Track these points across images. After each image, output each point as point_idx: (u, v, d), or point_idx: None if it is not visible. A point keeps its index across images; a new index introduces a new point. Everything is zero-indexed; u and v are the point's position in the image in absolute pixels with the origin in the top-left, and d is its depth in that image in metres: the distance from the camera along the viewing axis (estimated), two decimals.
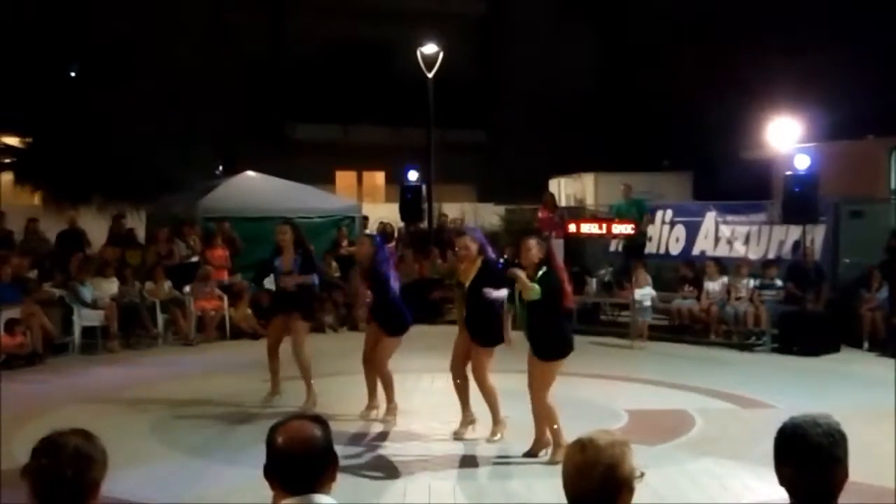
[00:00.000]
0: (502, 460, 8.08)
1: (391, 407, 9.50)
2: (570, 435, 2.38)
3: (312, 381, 9.95)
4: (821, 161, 14.95)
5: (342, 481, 2.86)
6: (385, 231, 19.86)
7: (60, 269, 15.21)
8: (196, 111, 27.19)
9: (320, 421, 2.82)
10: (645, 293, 14.54)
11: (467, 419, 8.84)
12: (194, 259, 16.30)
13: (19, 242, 16.34)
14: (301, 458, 2.70)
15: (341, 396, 10.35)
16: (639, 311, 14.63)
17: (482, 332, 8.49)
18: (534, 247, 7.87)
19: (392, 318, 9.40)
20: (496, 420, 8.63)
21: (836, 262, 15.17)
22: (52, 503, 2.67)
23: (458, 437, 8.73)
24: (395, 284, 9.47)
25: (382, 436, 8.93)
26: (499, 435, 8.58)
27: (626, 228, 15.84)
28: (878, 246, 14.73)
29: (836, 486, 2.73)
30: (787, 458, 2.76)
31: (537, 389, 7.89)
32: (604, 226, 15.74)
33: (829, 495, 2.73)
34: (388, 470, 7.86)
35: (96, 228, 18.38)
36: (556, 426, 7.80)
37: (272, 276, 10.19)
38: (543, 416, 7.91)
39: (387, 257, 9.63)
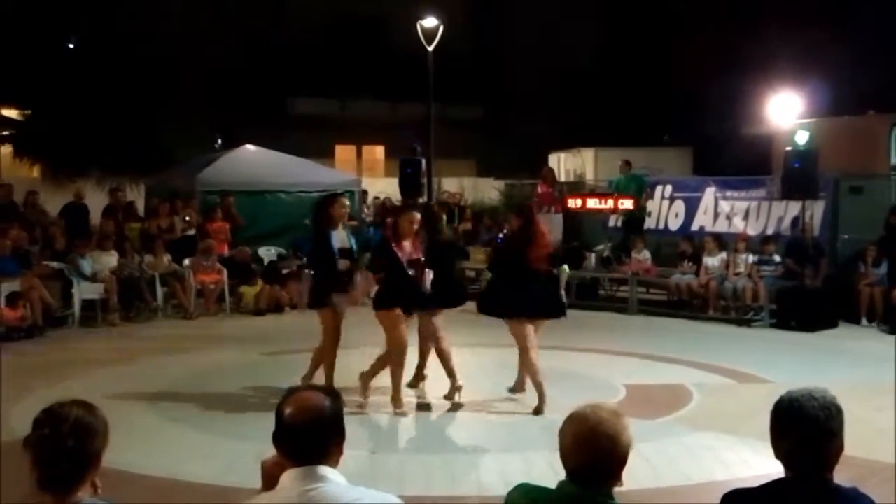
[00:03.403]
0: (499, 434, 8.11)
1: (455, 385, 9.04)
2: (567, 408, 2.39)
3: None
4: (821, 137, 14.92)
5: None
6: (385, 205, 19.83)
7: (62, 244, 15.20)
8: (196, 85, 27.19)
9: (332, 393, 2.79)
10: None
11: (454, 386, 8.94)
12: (191, 232, 16.30)
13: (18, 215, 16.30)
14: (306, 429, 2.67)
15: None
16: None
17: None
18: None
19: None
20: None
21: (834, 237, 15.15)
22: (54, 474, 2.68)
23: (447, 399, 8.91)
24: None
25: (384, 409, 8.93)
26: (456, 396, 8.82)
27: (610, 204, 16.45)
28: (877, 222, 14.71)
29: (831, 459, 2.76)
30: (784, 431, 2.78)
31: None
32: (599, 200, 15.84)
33: (825, 468, 2.75)
34: (385, 444, 7.89)
35: (95, 201, 18.35)
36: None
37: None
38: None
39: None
